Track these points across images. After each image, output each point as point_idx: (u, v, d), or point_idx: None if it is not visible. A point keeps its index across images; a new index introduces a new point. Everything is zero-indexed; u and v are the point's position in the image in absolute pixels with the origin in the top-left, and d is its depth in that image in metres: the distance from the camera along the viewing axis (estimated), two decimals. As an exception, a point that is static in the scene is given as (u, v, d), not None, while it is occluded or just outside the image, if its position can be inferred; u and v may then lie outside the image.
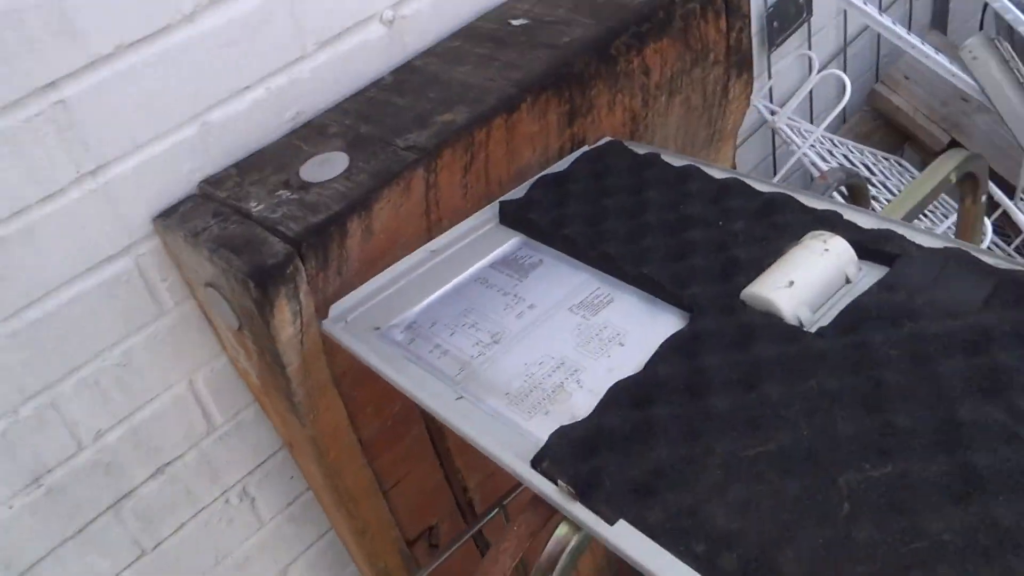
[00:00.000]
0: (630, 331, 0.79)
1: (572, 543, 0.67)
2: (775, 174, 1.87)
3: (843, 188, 1.02)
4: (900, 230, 0.77)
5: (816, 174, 1.59)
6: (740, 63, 1.19)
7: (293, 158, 0.95)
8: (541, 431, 0.70)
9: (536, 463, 0.67)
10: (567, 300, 0.84)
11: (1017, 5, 1.72)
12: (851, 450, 0.60)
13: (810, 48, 1.82)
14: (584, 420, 0.69)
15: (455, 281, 0.90)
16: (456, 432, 0.73)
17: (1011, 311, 0.67)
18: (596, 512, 0.63)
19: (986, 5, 2.06)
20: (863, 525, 0.56)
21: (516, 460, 0.68)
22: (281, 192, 0.90)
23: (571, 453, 0.66)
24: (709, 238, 0.83)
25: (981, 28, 2.15)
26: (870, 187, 1.60)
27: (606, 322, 0.80)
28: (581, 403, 0.72)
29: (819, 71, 1.61)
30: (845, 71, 1.99)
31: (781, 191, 0.87)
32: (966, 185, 0.98)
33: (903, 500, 0.57)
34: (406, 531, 1.19)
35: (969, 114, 1.92)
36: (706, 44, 1.12)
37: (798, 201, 0.85)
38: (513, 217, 0.95)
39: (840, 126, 2.05)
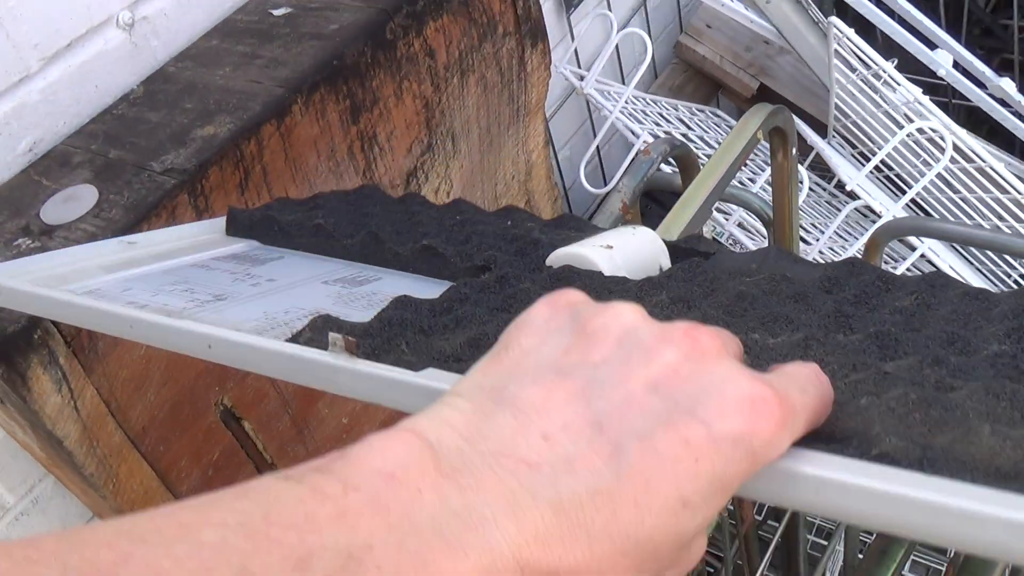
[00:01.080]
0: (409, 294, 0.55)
1: None
2: (594, 138, 1.83)
3: (671, 160, 0.96)
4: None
5: (631, 137, 1.55)
6: (533, 33, 1.12)
7: (33, 198, 0.81)
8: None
9: (295, 338, 0.47)
10: (321, 277, 0.61)
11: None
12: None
13: (609, 8, 1.78)
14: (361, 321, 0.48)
15: (165, 264, 0.65)
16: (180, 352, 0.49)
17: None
18: (394, 363, 0.42)
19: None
20: None
21: (263, 341, 0.46)
22: (20, 241, 0.77)
23: (348, 326, 0.47)
24: (497, 233, 0.62)
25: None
26: (689, 143, 1.58)
27: (375, 291, 0.58)
28: None
29: (620, 29, 1.57)
30: (648, 26, 1.96)
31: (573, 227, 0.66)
32: (775, 140, 0.94)
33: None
34: None
35: (773, 56, 1.93)
36: (491, 16, 1.05)
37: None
38: (242, 224, 0.69)
39: (652, 82, 2.04)
